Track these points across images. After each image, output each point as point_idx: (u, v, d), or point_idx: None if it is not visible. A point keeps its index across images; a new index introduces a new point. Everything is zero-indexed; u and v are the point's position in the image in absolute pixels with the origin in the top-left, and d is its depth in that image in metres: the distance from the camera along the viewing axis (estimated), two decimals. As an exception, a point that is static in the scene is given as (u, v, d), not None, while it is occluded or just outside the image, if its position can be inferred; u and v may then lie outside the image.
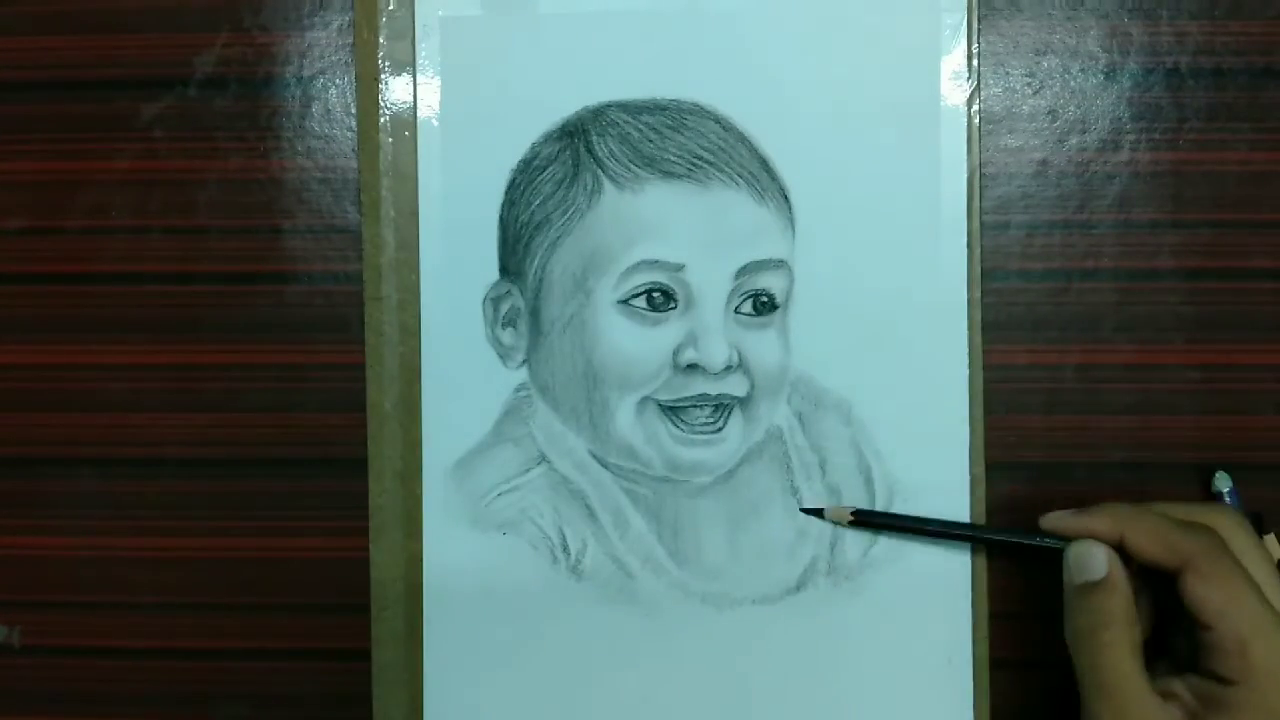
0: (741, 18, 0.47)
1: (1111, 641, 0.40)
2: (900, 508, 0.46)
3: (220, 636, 0.49)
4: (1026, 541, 0.44)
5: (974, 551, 0.46)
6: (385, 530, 0.47)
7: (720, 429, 0.47)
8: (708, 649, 0.47)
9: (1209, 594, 0.39)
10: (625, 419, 0.47)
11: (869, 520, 0.46)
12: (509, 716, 0.47)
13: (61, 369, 0.49)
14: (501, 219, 0.47)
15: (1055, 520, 0.43)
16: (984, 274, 0.47)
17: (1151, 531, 0.41)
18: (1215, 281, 0.48)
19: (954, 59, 0.46)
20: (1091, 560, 0.42)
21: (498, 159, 0.47)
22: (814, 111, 0.46)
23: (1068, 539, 0.43)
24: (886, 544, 0.47)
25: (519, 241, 0.47)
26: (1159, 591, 0.42)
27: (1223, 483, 0.46)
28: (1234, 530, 0.42)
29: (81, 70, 0.48)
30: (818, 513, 0.47)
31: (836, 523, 0.46)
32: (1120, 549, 0.42)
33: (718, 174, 0.46)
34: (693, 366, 0.46)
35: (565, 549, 0.47)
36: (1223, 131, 0.47)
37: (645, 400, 0.46)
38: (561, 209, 0.47)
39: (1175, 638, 0.42)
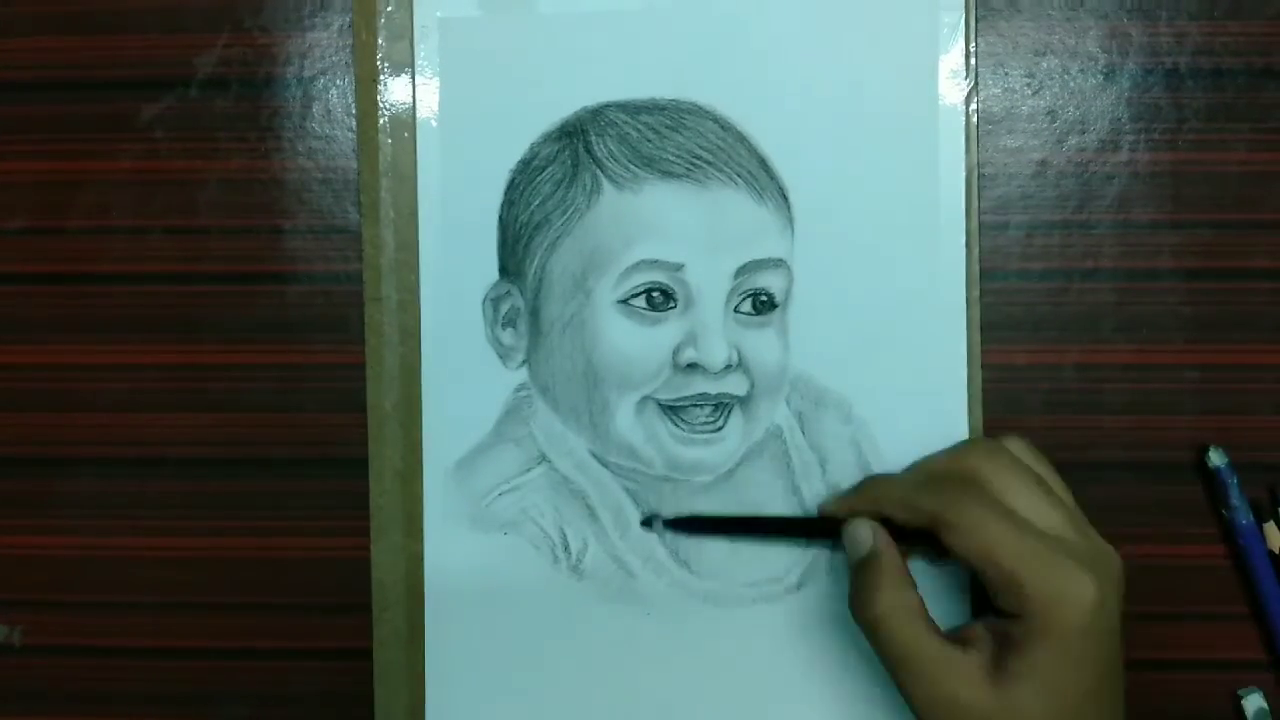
0: (740, 18, 0.47)
1: (889, 611, 0.41)
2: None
3: (220, 636, 0.49)
4: (813, 528, 0.46)
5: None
6: (386, 530, 0.47)
7: (720, 428, 0.47)
8: (708, 648, 0.47)
9: (963, 543, 0.40)
10: (625, 418, 0.47)
11: (685, 525, 0.47)
12: (510, 716, 0.47)
13: (62, 369, 0.49)
14: (501, 219, 0.47)
15: (827, 505, 0.45)
16: (983, 274, 0.47)
17: (897, 499, 0.42)
18: (1214, 282, 0.48)
19: (952, 58, 0.47)
20: (857, 536, 0.43)
21: (497, 159, 0.47)
22: (812, 111, 0.47)
23: (841, 522, 0.44)
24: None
25: (518, 242, 0.47)
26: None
27: (1218, 458, 0.46)
28: (993, 465, 0.41)
29: (82, 71, 0.48)
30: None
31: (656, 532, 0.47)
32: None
33: (717, 174, 0.46)
34: (692, 366, 0.46)
35: (566, 548, 0.47)
36: (1222, 132, 0.47)
37: (645, 400, 0.46)
38: (561, 209, 0.47)
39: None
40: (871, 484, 0.45)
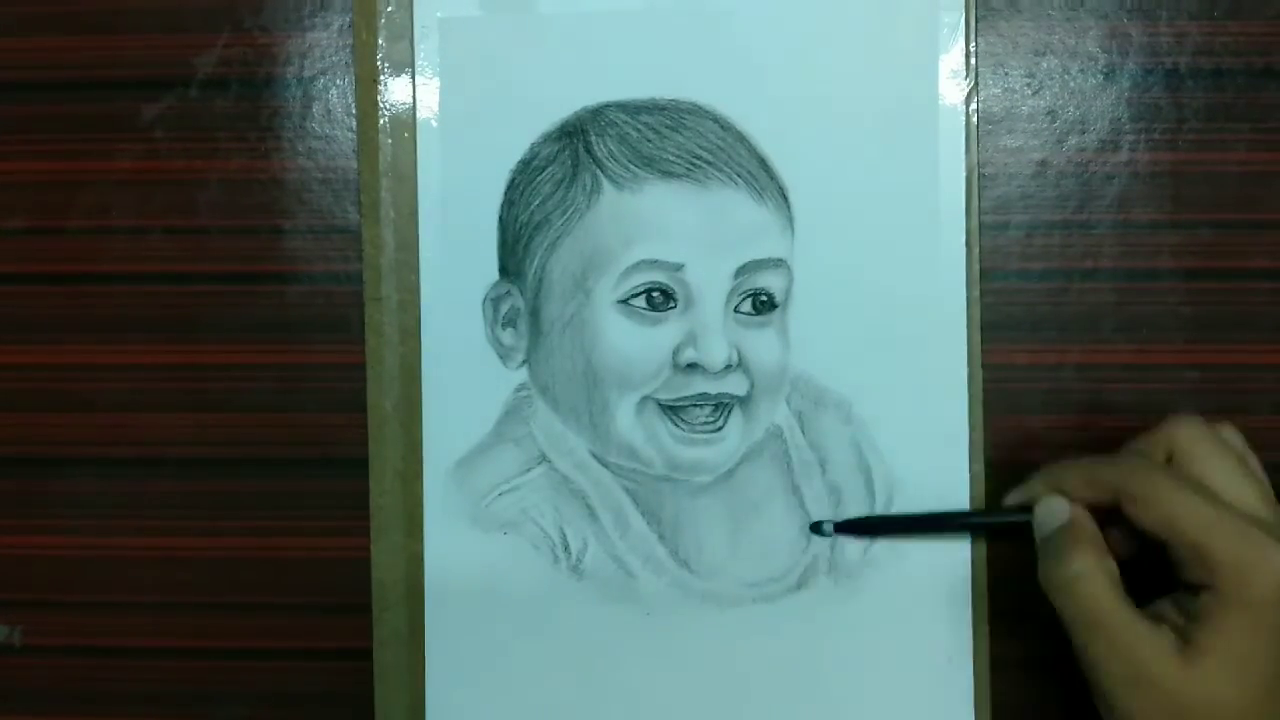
0: (740, 18, 0.47)
1: (1086, 576, 0.40)
2: (900, 506, 0.46)
3: (220, 636, 0.49)
4: (997, 520, 0.45)
5: (974, 549, 0.47)
6: (386, 530, 0.47)
7: (720, 428, 0.47)
8: (708, 648, 0.47)
9: (1148, 515, 0.39)
10: (625, 418, 0.47)
11: (853, 528, 0.47)
12: (511, 716, 0.47)
13: (62, 369, 0.49)
14: (501, 219, 0.47)
15: (1014, 495, 0.44)
16: (983, 274, 0.47)
17: (1079, 477, 0.42)
18: (1214, 282, 0.48)
19: (952, 58, 0.47)
20: (1052, 509, 0.42)
21: (497, 159, 0.47)
22: (812, 111, 0.47)
23: (1030, 507, 0.43)
24: (886, 543, 0.47)
25: (519, 242, 0.47)
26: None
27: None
28: (1187, 437, 0.41)
29: (83, 71, 0.48)
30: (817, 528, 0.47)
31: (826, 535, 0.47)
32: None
33: (717, 173, 0.46)
34: (692, 366, 0.46)
35: (566, 548, 0.47)
36: (1222, 132, 0.47)
37: (645, 400, 0.47)
38: (561, 209, 0.47)
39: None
40: (1053, 466, 0.43)
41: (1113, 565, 0.41)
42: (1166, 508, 0.39)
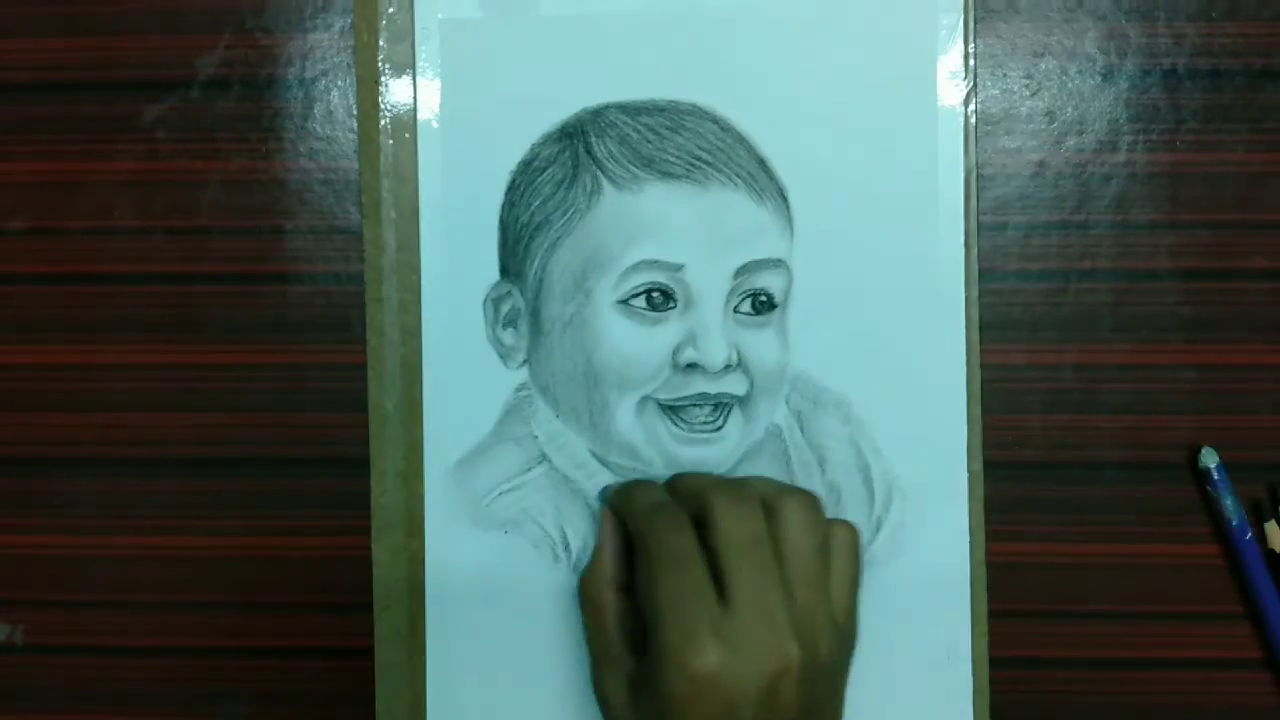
0: (739, 19, 0.47)
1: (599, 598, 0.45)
2: (898, 506, 0.47)
3: (220, 636, 0.49)
4: None
5: (973, 549, 0.47)
6: (387, 530, 0.48)
7: (720, 428, 0.47)
8: (708, 648, 0.47)
9: (642, 571, 0.41)
10: (625, 418, 0.47)
11: None
12: (511, 715, 0.47)
13: (63, 369, 0.49)
14: (501, 220, 0.47)
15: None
16: (982, 274, 0.47)
17: (630, 510, 0.44)
18: (1212, 282, 0.48)
19: (950, 59, 0.47)
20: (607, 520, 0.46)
21: (497, 160, 0.47)
22: (811, 112, 0.47)
23: None
24: (886, 541, 0.47)
25: (519, 242, 0.47)
26: None
27: (1209, 458, 0.46)
28: (719, 502, 0.41)
29: (84, 72, 0.48)
30: None
31: None
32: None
33: (716, 174, 0.46)
34: (692, 366, 0.46)
35: (567, 548, 0.47)
36: (1220, 133, 0.48)
37: (645, 400, 0.47)
38: (561, 210, 0.47)
39: None
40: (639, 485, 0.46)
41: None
42: (643, 573, 0.41)
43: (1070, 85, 0.48)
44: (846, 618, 0.42)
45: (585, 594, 0.45)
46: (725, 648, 0.38)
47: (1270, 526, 0.47)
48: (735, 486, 0.42)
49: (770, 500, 0.42)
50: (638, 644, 0.43)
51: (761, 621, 0.39)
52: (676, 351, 0.46)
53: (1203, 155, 0.48)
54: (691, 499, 0.42)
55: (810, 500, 0.42)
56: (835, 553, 0.42)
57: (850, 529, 0.43)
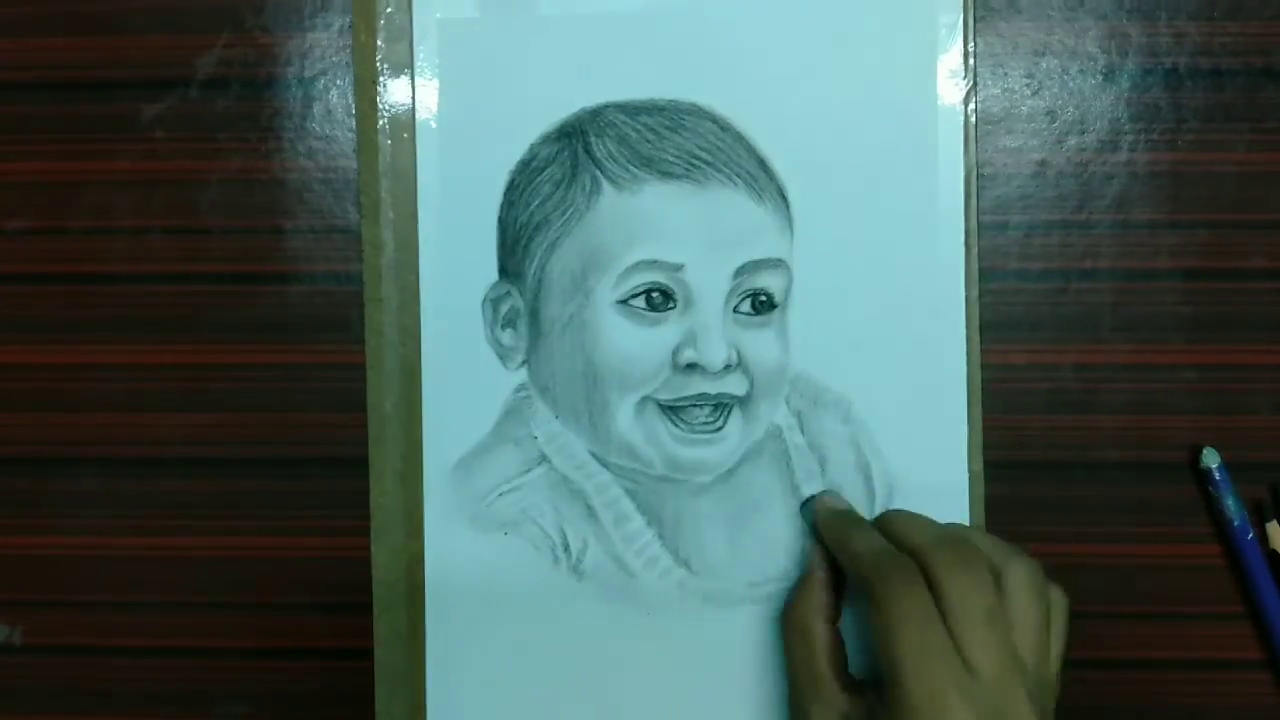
0: (738, 19, 0.47)
1: (811, 631, 0.44)
2: (899, 505, 0.46)
3: (220, 636, 0.49)
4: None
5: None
6: (386, 530, 0.48)
7: (720, 428, 0.47)
8: (708, 648, 0.47)
9: (875, 619, 0.40)
10: (625, 419, 0.47)
11: None
12: (511, 716, 0.47)
13: (62, 369, 0.49)
14: (500, 220, 0.47)
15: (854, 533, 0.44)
16: (982, 274, 0.47)
17: (858, 545, 0.43)
18: (1213, 282, 0.48)
19: (950, 58, 0.47)
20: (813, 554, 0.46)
21: (496, 160, 0.47)
22: (811, 111, 0.47)
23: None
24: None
25: (518, 242, 0.47)
26: None
27: (1210, 458, 0.46)
28: (950, 566, 0.40)
29: (83, 71, 0.48)
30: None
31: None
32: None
33: (716, 174, 0.46)
34: (692, 366, 0.46)
35: (566, 548, 0.47)
36: (1221, 132, 0.48)
37: (645, 400, 0.47)
38: (560, 210, 0.47)
39: None
40: (854, 522, 0.45)
41: (831, 632, 0.44)
42: (888, 621, 0.39)
43: (1071, 84, 0.48)
44: (1058, 682, 0.42)
45: (793, 623, 0.44)
46: (974, 713, 0.38)
47: (1271, 527, 0.46)
48: (960, 550, 0.41)
49: (997, 565, 0.41)
50: (846, 678, 0.43)
51: (1006, 691, 0.39)
52: (676, 352, 0.46)
53: (1204, 155, 0.48)
54: (914, 554, 0.41)
55: (1035, 566, 0.41)
56: (1053, 618, 0.42)
57: (1064, 595, 0.42)
